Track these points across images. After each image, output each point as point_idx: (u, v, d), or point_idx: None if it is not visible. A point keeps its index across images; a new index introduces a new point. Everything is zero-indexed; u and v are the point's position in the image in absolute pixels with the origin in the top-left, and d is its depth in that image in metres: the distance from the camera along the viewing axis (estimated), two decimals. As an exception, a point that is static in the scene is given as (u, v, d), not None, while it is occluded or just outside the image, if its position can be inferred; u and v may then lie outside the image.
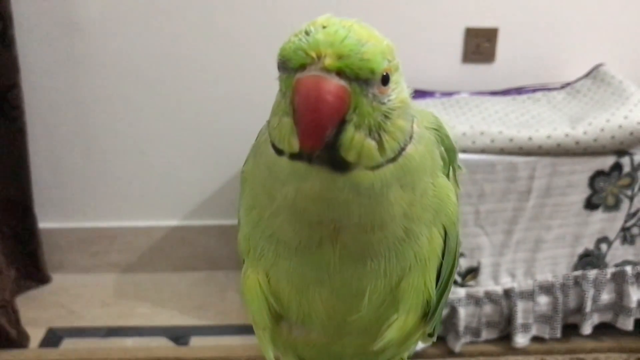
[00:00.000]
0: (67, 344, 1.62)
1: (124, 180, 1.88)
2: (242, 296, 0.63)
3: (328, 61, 0.46)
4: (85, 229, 1.90)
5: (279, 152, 0.50)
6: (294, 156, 0.49)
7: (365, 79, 0.47)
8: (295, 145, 0.48)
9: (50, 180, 1.85)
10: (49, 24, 1.69)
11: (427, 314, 0.61)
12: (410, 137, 0.52)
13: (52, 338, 1.64)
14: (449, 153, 0.61)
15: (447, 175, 0.60)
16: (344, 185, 0.49)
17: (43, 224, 1.83)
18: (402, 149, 0.51)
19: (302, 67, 0.46)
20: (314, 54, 0.46)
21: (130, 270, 1.93)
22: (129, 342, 1.64)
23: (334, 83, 0.46)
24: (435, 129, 0.59)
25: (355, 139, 0.48)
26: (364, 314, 0.58)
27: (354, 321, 0.59)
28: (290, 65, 0.47)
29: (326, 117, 0.46)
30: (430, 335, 0.67)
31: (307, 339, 0.63)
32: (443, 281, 0.62)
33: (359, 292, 0.57)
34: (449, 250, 0.60)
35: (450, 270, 0.62)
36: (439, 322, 0.67)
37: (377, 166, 0.50)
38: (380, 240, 0.54)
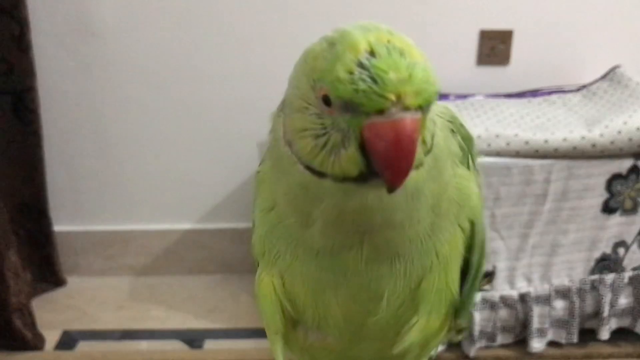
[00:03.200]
0: (82, 346, 1.63)
1: (138, 184, 1.88)
2: (256, 299, 0.63)
3: (409, 100, 0.45)
4: (99, 232, 1.91)
5: (319, 173, 0.50)
6: (343, 179, 0.49)
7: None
8: (351, 171, 0.48)
9: (65, 183, 1.86)
10: (65, 28, 1.71)
11: (453, 313, 0.60)
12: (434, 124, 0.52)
13: (68, 341, 1.65)
14: (466, 141, 0.60)
15: (467, 165, 0.59)
16: (398, 193, 0.49)
17: (58, 227, 1.84)
18: (432, 138, 0.51)
19: (380, 111, 0.45)
20: (393, 97, 0.44)
21: (144, 273, 1.94)
22: (144, 345, 1.64)
23: (414, 121, 0.45)
24: (450, 121, 0.59)
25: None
26: (382, 316, 0.58)
27: (371, 324, 0.59)
28: (363, 110, 0.45)
29: (412, 158, 0.46)
30: (461, 330, 0.66)
31: (323, 344, 0.62)
32: (473, 275, 0.61)
33: (377, 295, 0.56)
34: (478, 242, 0.59)
35: (478, 264, 0.62)
36: (469, 316, 0.66)
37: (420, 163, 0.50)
38: (411, 238, 0.53)
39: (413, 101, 0.45)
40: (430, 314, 0.58)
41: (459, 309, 0.61)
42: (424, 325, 0.58)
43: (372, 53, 0.45)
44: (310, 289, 0.58)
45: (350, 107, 0.46)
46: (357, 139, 0.47)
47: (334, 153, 0.48)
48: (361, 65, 0.45)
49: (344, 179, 0.49)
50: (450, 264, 0.57)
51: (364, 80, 0.44)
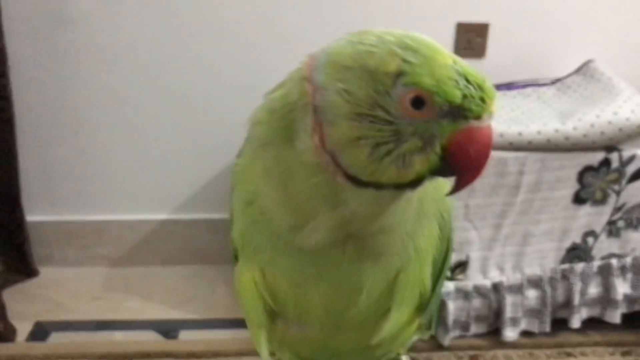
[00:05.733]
0: (55, 337, 1.61)
1: (113, 174, 1.86)
2: (237, 294, 0.63)
3: (493, 108, 0.48)
4: (73, 222, 1.89)
5: (360, 183, 0.49)
6: (379, 185, 0.49)
7: None
8: (406, 177, 0.48)
9: (38, 172, 1.83)
10: (38, 15, 1.68)
11: (421, 305, 0.61)
12: None
13: (40, 332, 1.63)
14: None
15: None
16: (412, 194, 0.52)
17: (31, 217, 1.81)
18: None
19: (478, 116, 0.47)
20: (490, 104, 0.47)
21: (119, 264, 1.92)
22: (118, 335, 1.63)
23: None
24: None
25: None
26: (361, 308, 0.58)
27: (351, 316, 0.59)
28: (468, 115, 0.47)
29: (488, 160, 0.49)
30: (428, 328, 0.67)
31: (303, 336, 0.63)
32: (438, 270, 0.62)
33: (358, 287, 0.57)
34: (444, 238, 0.60)
35: (444, 259, 0.63)
36: (435, 314, 0.67)
37: None
38: (396, 239, 0.54)
39: (494, 109, 0.48)
40: (403, 305, 0.59)
41: (425, 305, 0.62)
42: (399, 316, 0.59)
43: (454, 61, 0.47)
44: (292, 283, 0.58)
45: (453, 111, 0.47)
46: (444, 143, 0.48)
47: (399, 161, 0.48)
48: (457, 72, 0.47)
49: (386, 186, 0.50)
50: (425, 258, 0.59)
51: (468, 87, 0.46)
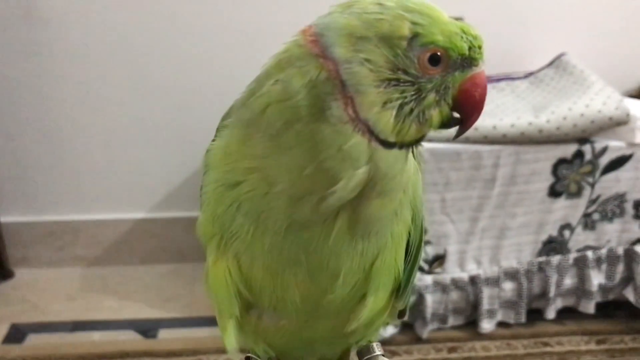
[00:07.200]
0: (32, 339, 1.60)
1: (88, 173, 1.85)
2: (207, 285, 0.62)
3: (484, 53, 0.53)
4: (49, 223, 1.87)
5: (388, 144, 0.51)
6: (401, 144, 0.52)
7: None
8: (424, 132, 0.53)
9: (12, 172, 1.81)
10: (9, 11, 1.65)
11: (396, 291, 0.62)
12: None
13: (16, 334, 1.61)
14: None
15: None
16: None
17: (5, 218, 1.79)
18: None
19: (477, 63, 0.53)
20: (483, 50, 0.52)
21: (96, 263, 1.91)
22: (96, 336, 1.62)
23: None
24: None
25: None
26: (337, 295, 0.59)
27: (326, 303, 0.59)
28: (473, 63, 0.52)
29: None
30: (402, 313, 0.68)
31: (277, 326, 0.63)
32: (412, 256, 0.62)
33: (335, 273, 0.57)
34: (416, 224, 0.61)
35: (419, 244, 0.63)
36: (409, 300, 0.68)
37: None
38: (392, 209, 0.56)
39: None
40: (379, 291, 0.59)
41: (399, 289, 0.62)
42: (374, 303, 0.60)
43: (456, 19, 0.52)
44: (269, 269, 0.58)
45: (463, 62, 0.52)
46: (454, 93, 0.52)
47: (419, 117, 0.52)
48: (457, 26, 0.52)
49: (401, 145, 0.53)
50: (400, 243, 0.59)
51: (468, 39, 0.52)
